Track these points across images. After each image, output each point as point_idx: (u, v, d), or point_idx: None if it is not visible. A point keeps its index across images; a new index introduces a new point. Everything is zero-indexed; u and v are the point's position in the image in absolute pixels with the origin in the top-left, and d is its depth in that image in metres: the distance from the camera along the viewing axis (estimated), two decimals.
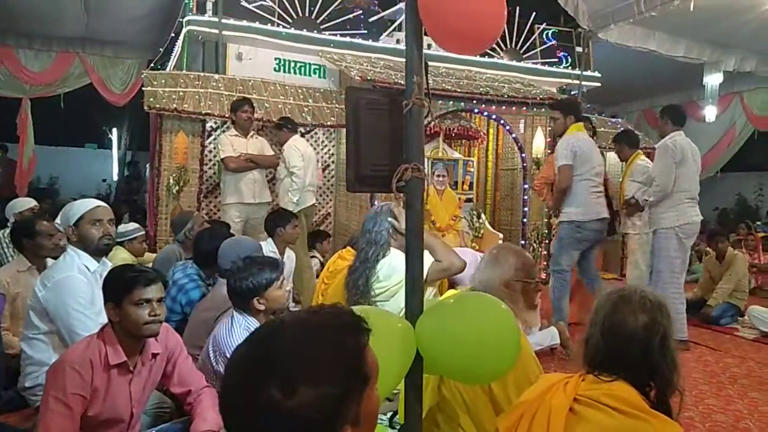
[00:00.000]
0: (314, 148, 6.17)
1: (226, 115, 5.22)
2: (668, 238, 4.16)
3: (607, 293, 1.54)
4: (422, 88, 1.56)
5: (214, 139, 5.59)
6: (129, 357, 1.95)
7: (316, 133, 6.18)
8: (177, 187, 5.40)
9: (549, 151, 6.21)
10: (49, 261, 3.08)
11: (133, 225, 4.36)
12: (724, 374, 3.64)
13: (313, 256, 5.20)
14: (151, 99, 5.41)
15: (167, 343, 2.12)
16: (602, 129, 6.91)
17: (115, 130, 14.52)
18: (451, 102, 6.05)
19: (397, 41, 6.84)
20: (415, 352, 1.50)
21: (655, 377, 1.40)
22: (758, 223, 8.78)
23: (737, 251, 5.65)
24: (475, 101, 6.11)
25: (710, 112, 9.24)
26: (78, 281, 2.36)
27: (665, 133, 4.30)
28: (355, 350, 0.85)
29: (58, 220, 2.59)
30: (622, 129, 6.79)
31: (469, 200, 6.78)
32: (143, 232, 4.36)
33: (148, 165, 7.29)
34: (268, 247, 3.70)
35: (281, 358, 0.81)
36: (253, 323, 2.26)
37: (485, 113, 6.49)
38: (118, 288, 1.91)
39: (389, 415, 2.39)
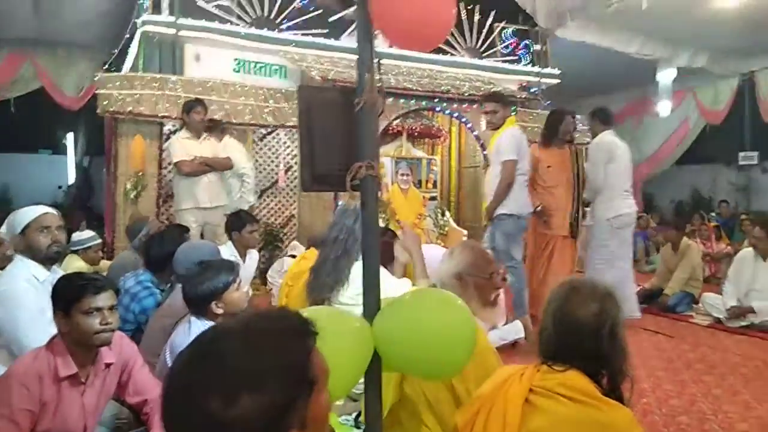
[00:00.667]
0: (276, 150, 6.13)
1: None
2: (602, 230, 4.51)
3: (559, 285, 1.57)
4: (374, 86, 1.55)
5: None
6: (80, 368, 1.88)
7: (277, 134, 6.11)
8: (135, 193, 5.26)
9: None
10: None
11: (89, 233, 4.23)
12: (680, 360, 3.76)
13: (293, 255, 5.16)
14: (105, 102, 5.26)
15: (121, 352, 2.06)
16: None
17: (70, 135, 14.04)
18: (412, 101, 6.08)
19: None
20: (373, 350, 1.49)
21: (605, 365, 1.44)
22: (712, 213, 9.10)
23: (691, 241, 5.86)
24: (436, 99, 6.16)
25: (664, 107, 9.55)
26: (25, 291, 2.27)
27: (596, 133, 4.60)
28: (300, 355, 0.83)
29: (3, 229, 2.49)
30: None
31: (433, 198, 6.84)
32: (99, 241, 4.24)
33: (104, 170, 7.09)
34: (228, 251, 3.63)
35: (222, 366, 0.78)
36: None
37: (447, 112, 6.55)
38: (67, 297, 1.84)
39: (354, 415, 2.38)
